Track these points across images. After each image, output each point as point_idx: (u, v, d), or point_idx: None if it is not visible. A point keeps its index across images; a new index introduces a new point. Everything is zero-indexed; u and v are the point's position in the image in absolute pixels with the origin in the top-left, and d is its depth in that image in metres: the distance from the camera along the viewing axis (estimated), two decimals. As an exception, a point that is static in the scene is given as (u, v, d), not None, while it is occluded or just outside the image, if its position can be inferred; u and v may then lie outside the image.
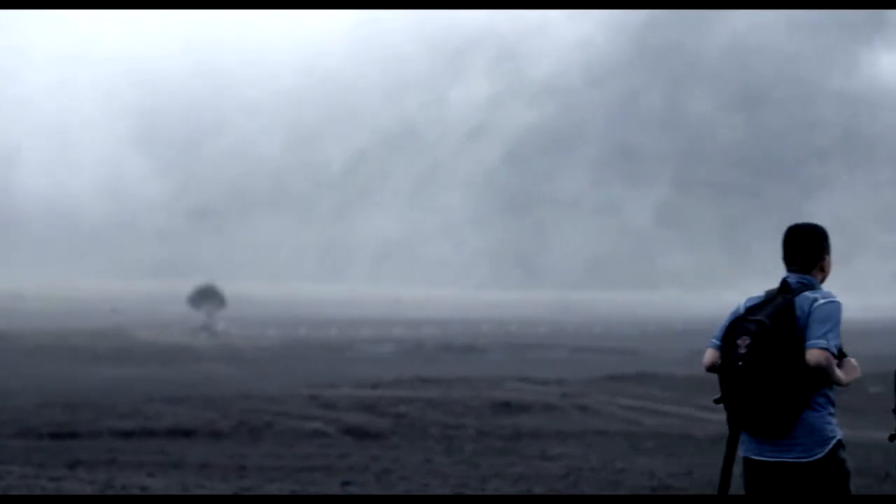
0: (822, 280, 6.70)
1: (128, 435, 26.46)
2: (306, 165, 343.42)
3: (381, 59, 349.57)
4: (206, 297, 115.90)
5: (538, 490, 16.75)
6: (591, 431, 27.88)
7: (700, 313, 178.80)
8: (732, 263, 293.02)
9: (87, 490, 15.47)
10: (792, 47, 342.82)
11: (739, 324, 6.50)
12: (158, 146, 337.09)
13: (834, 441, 6.45)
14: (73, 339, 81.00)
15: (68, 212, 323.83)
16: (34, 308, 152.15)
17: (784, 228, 6.76)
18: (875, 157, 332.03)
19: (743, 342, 6.42)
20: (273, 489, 16.13)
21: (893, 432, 6.68)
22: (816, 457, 6.43)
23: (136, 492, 15.50)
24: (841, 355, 6.45)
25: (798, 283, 6.60)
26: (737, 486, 6.74)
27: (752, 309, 6.55)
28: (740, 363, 6.40)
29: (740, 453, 6.61)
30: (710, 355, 6.69)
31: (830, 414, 6.49)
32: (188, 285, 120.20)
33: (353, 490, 16.50)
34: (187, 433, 26.80)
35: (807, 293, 6.52)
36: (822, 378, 6.38)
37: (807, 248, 6.68)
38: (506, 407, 31.87)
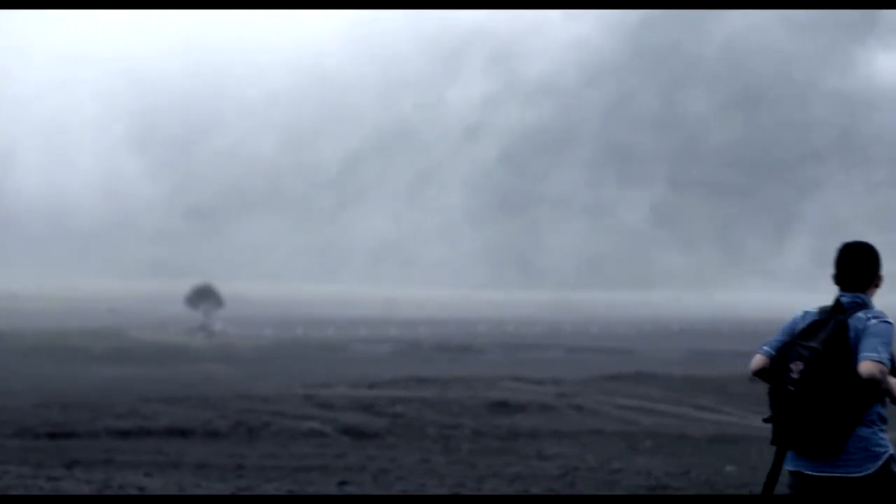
0: (873, 294, 6.79)
1: (125, 435, 26.47)
2: (303, 165, 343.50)
3: (377, 59, 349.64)
4: (204, 297, 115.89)
5: (535, 490, 16.76)
6: (588, 431, 27.91)
7: (696, 314, 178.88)
8: (728, 263, 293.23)
9: (85, 490, 15.47)
10: (787, 47, 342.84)
11: (793, 348, 6.56)
12: (156, 146, 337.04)
13: (886, 456, 6.51)
14: (70, 339, 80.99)
15: (66, 211, 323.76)
16: (31, 308, 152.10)
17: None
18: (870, 158, 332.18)
19: (796, 367, 6.48)
20: (270, 489, 16.13)
21: None
22: (867, 472, 6.47)
23: (134, 491, 15.51)
24: (893, 371, 6.51)
25: (852, 302, 6.67)
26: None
27: (806, 332, 6.61)
28: (791, 388, 6.48)
29: (787, 467, 6.66)
30: (759, 361, 6.74)
31: (882, 430, 6.56)
32: (185, 285, 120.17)
33: (350, 490, 16.51)
34: (184, 433, 26.82)
35: (860, 313, 6.58)
36: (874, 392, 6.44)
37: (861, 268, 6.74)
38: (502, 407, 31.91)
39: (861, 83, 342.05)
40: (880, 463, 6.49)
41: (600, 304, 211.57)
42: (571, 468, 19.78)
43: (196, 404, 30.93)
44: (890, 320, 6.55)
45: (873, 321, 6.50)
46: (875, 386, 6.37)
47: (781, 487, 6.68)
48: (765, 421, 6.66)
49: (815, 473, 6.55)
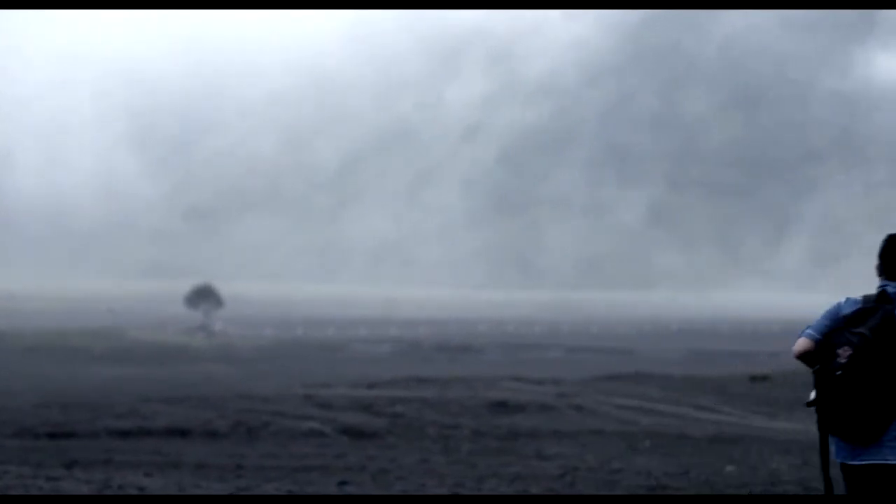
0: None
1: (125, 435, 26.47)
2: (303, 165, 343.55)
3: (376, 59, 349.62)
4: (203, 297, 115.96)
5: (534, 490, 16.76)
6: (588, 431, 27.91)
7: (696, 314, 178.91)
8: (727, 263, 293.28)
9: (84, 490, 15.47)
10: (786, 48, 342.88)
11: (841, 334, 6.63)
12: (155, 146, 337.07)
13: None
14: (69, 339, 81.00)
15: (65, 211, 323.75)
16: (31, 308, 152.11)
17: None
18: (870, 158, 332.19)
19: (844, 352, 6.56)
20: (270, 489, 16.14)
21: None
22: None
23: (133, 491, 15.51)
24: None
25: None
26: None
27: (853, 319, 6.67)
28: (839, 372, 6.54)
29: (836, 459, 6.73)
30: (804, 343, 6.79)
31: None
32: (185, 285, 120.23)
33: (349, 490, 16.52)
34: (184, 433, 26.82)
35: None
36: None
37: None
38: (502, 407, 31.90)
39: (860, 83, 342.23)
40: None
41: (600, 304, 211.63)
42: (571, 468, 19.78)
43: (196, 404, 30.92)
44: None
45: None
46: None
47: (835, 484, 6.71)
48: (808, 405, 6.73)
49: (856, 463, 6.63)
